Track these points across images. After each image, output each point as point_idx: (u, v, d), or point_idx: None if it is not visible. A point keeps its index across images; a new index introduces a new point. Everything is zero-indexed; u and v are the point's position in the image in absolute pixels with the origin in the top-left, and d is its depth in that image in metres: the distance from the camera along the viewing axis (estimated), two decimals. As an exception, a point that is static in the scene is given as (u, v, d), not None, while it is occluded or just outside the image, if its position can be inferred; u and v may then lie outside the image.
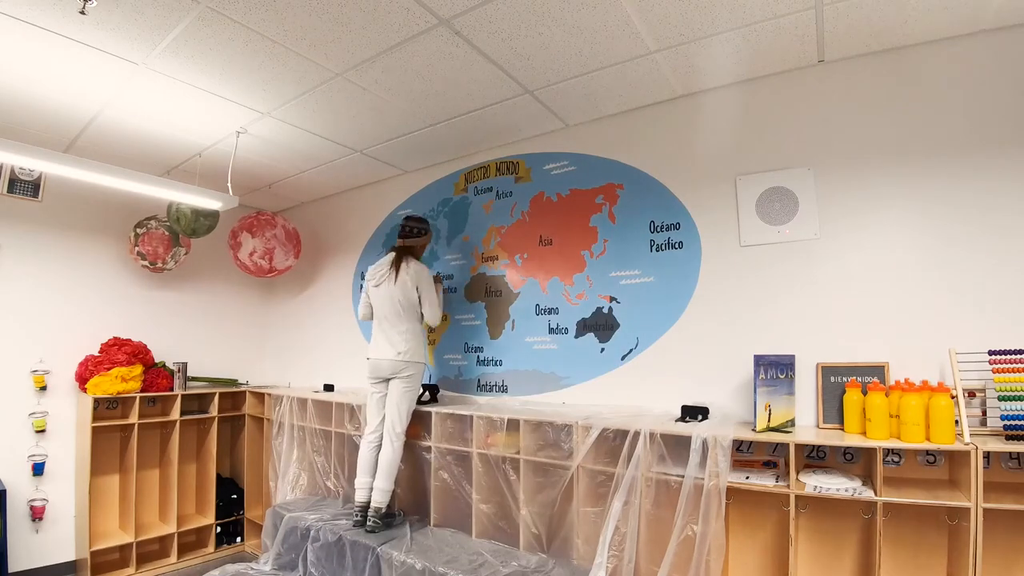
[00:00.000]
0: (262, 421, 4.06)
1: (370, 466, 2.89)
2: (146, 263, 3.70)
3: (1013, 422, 1.67)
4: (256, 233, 3.83)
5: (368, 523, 2.77)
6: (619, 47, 2.17)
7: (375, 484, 2.83)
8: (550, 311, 2.92)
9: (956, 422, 1.73)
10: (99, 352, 3.61)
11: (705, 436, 2.00)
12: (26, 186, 3.41)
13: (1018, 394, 1.69)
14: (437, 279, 3.13)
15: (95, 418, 3.39)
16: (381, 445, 2.89)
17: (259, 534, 3.54)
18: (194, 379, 4.09)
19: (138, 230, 3.65)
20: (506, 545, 2.54)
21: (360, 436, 3.01)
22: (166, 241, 3.71)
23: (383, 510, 2.81)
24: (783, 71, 2.32)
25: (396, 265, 2.90)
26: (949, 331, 1.91)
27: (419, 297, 2.90)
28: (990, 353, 1.78)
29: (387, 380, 2.89)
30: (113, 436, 3.60)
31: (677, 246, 2.55)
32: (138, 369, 3.61)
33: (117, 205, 3.67)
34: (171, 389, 3.79)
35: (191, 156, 3.28)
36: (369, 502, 2.84)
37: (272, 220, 3.92)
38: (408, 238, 2.98)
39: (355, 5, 1.90)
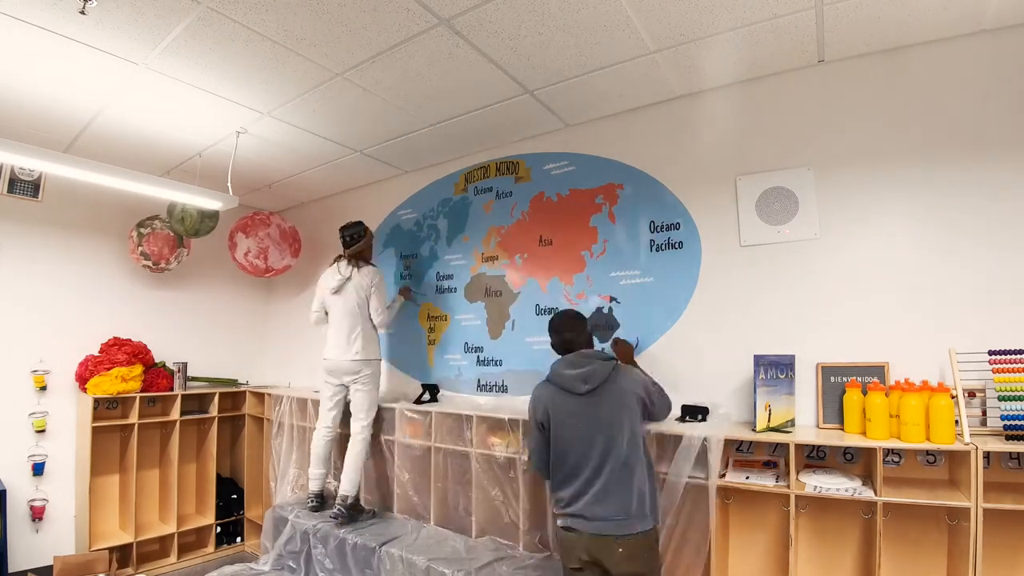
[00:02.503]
0: (262, 421, 4.06)
1: (323, 458, 3.09)
2: (148, 263, 3.69)
3: (1013, 422, 1.67)
4: (250, 233, 3.83)
5: (334, 509, 2.88)
6: (619, 47, 2.17)
7: (343, 475, 2.96)
8: (550, 311, 2.91)
9: (956, 422, 1.73)
10: (99, 352, 3.61)
11: (705, 436, 2.00)
12: (26, 186, 3.41)
13: (1018, 394, 1.69)
14: (406, 291, 3.37)
15: (95, 418, 3.39)
16: (333, 439, 3.10)
17: (259, 534, 3.54)
18: (194, 379, 4.09)
19: (142, 230, 3.64)
20: (506, 544, 2.54)
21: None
22: (171, 242, 3.72)
23: (350, 499, 2.91)
24: (783, 71, 2.32)
25: (349, 271, 3.07)
26: (949, 331, 1.91)
27: (368, 300, 3.06)
28: (990, 353, 1.78)
29: (345, 384, 3.04)
30: (113, 436, 3.60)
31: (677, 246, 2.55)
32: (138, 369, 3.61)
33: (117, 205, 3.67)
34: (171, 389, 3.79)
35: (191, 156, 3.27)
36: (321, 491, 3.06)
37: (266, 219, 3.90)
38: (351, 247, 3.12)
39: (355, 5, 1.90)
